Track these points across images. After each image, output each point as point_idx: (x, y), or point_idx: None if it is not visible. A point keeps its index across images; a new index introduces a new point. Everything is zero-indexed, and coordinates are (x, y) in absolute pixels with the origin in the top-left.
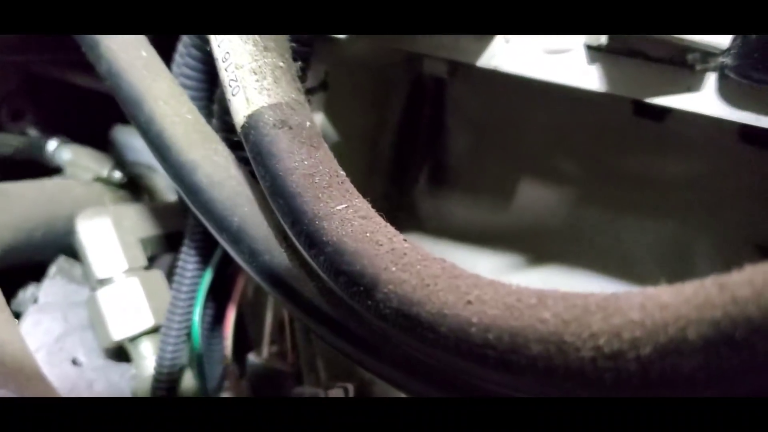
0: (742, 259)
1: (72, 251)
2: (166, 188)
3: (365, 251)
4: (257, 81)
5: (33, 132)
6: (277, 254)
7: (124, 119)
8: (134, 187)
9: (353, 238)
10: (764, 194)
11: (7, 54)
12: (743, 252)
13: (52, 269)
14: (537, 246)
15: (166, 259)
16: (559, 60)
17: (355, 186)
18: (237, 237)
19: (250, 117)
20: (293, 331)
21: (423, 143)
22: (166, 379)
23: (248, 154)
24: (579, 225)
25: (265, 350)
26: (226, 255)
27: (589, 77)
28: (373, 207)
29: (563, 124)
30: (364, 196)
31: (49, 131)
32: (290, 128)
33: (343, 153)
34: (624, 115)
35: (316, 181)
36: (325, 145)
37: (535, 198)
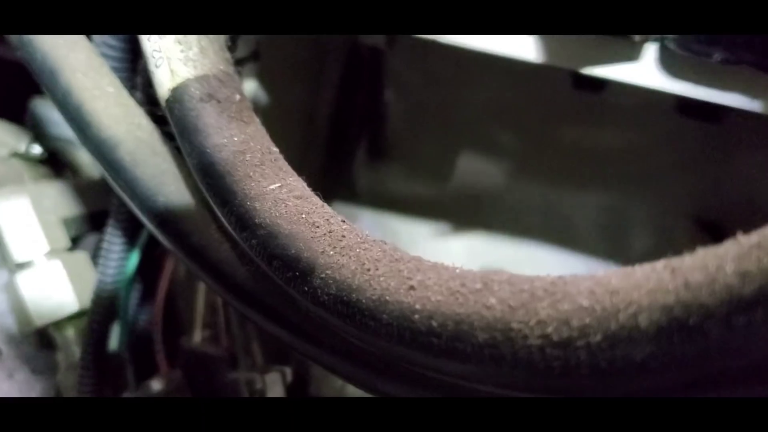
0: (680, 230)
1: None
2: (90, 164)
3: (301, 234)
4: (182, 51)
5: None
6: (206, 236)
7: (42, 90)
8: (56, 163)
9: (288, 220)
10: (701, 166)
11: None
12: (681, 223)
13: None
14: (477, 218)
15: (90, 239)
16: None
17: (291, 160)
18: (163, 218)
19: (174, 90)
20: (227, 313)
21: (360, 115)
22: (94, 364)
23: (173, 130)
24: (519, 196)
25: (198, 334)
26: (153, 235)
27: (528, 49)
28: (310, 181)
29: (502, 97)
30: (301, 169)
31: None
32: (218, 102)
33: (277, 126)
34: (563, 88)
35: (247, 158)
36: (257, 119)
37: (474, 170)
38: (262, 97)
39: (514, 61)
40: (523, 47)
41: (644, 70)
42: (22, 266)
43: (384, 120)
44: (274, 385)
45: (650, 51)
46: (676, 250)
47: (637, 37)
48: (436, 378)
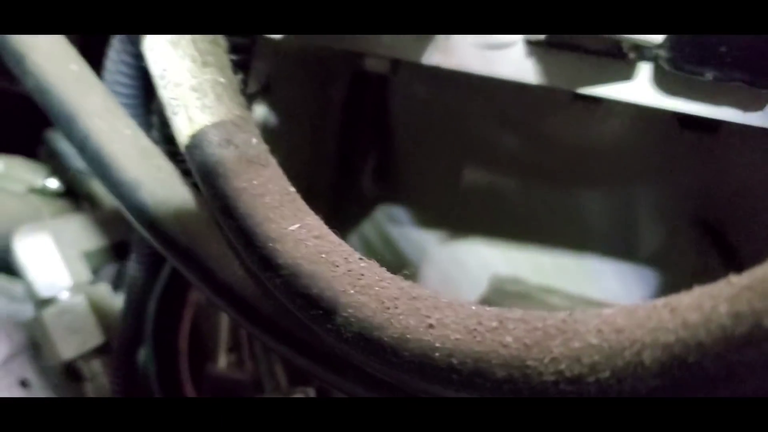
0: (686, 233)
1: (10, 268)
2: (106, 195)
3: (322, 273)
4: (198, 99)
5: None
6: (230, 274)
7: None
8: (73, 195)
9: (308, 260)
10: (701, 170)
11: None
12: (685, 224)
13: None
14: (488, 227)
15: (110, 269)
16: (499, 55)
17: (302, 178)
18: (187, 256)
19: (193, 137)
20: (250, 338)
21: (367, 134)
22: (123, 395)
23: (194, 175)
24: (528, 202)
25: (223, 360)
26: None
27: (527, 71)
28: (322, 197)
29: (505, 108)
30: (312, 186)
31: None
32: (236, 147)
33: (287, 144)
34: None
35: (267, 201)
36: (273, 161)
37: (483, 182)
38: (272, 120)
39: (514, 83)
40: (522, 70)
41: (639, 88)
42: (47, 302)
43: (390, 138)
44: None
45: (644, 70)
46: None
47: (631, 56)
48: None
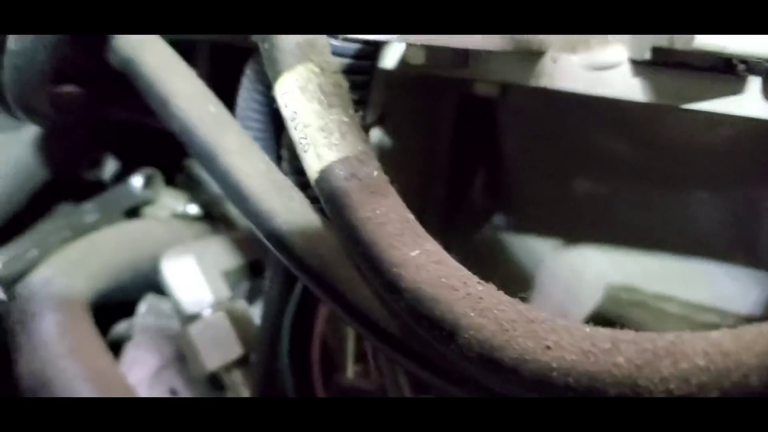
0: None
1: (159, 288)
2: (240, 217)
3: (443, 297)
4: (325, 138)
5: (108, 176)
6: (359, 294)
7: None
8: (210, 218)
9: (430, 285)
10: None
11: (83, 110)
12: None
13: (142, 307)
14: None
15: (244, 285)
16: (605, 75)
17: (416, 194)
18: (319, 278)
19: (322, 172)
20: (375, 352)
21: (477, 151)
22: None
23: (324, 206)
24: (643, 209)
25: (350, 370)
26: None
27: (634, 89)
28: (435, 212)
29: (615, 115)
30: (426, 202)
31: (123, 173)
32: (360, 180)
33: (401, 165)
34: None
35: (389, 229)
36: (393, 190)
37: (596, 190)
38: (388, 144)
39: (622, 102)
40: (629, 89)
41: (750, 102)
42: (191, 318)
43: (500, 154)
44: None
45: (755, 83)
46: None
47: (740, 70)
48: None
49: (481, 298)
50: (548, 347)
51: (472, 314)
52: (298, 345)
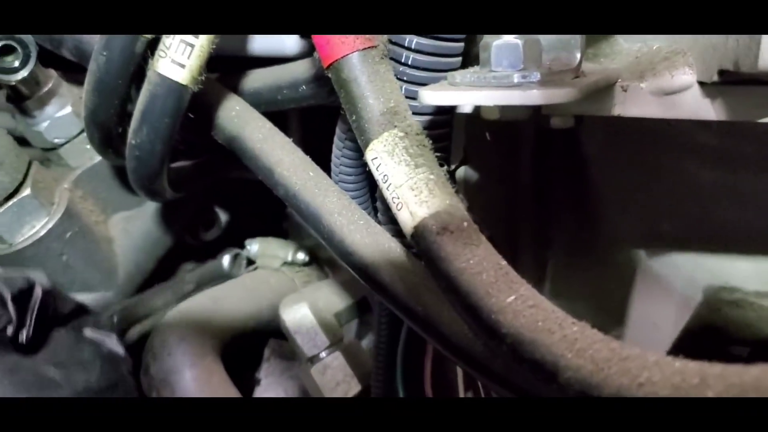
0: None
1: (279, 333)
2: None
3: (541, 341)
4: (415, 196)
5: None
6: (461, 336)
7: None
8: (316, 260)
9: (528, 329)
10: None
11: (198, 179)
12: None
13: (266, 352)
14: (700, 238)
15: (354, 322)
16: (676, 99)
17: (502, 219)
18: (425, 322)
19: (416, 228)
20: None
21: (560, 178)
22: None
23: (422, 258)
24: (740, 208)
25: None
26: None
27: (706, 109)
28: (524, 244)
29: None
30: (512, 226)
31: (235, 230)
32: (451, 232)
33: (488, 198)
34: None
35: (484, 278)
36: (484, 239)
37: (688, 195)
38: (473, 183)
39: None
40: (701, 110)
41: None
42: (311, 360)
43: (584, 178)
44: None
45: None
46: None
47: None
48: None
49: (576, 338)
50: (641, 384)
51: (570, 355)
52: (411, 376)
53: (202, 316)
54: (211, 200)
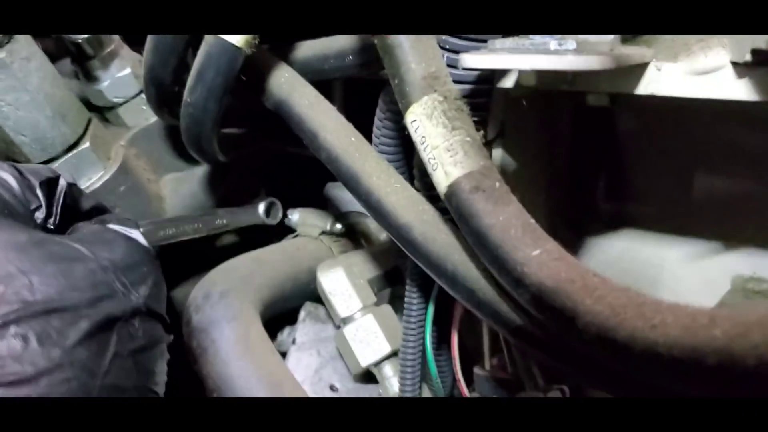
0: None
1: (314, 296)
2: (376, 230)
3: (562, 290)
4: (451, 157)
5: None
6: (488, 291)
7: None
8: (351, 233)
9: (551, 279)
10: None
11: (244, 146)
12: None
13: (302, 314)
14: (728, 227)
15: (385, 292)
16: (709, 79)
17: (540, 203)
18: (453, 280)
19: (450, 187)
20: (508, 345)
21: (595, 157)
22: (411, 393)
23: (453, 216)
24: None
25: (487, 363)
26: (443, 289)
27: (739, 90)
28: (562, 219)
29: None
30: (551, 210)
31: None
32: (483, 191)
33: (523, 173)
34: None
35: (512, 233)
36: (514, 199)
37: (718, 184)
38: (509, 159)
39: (729, 102)
40: (734, 90)
41: None
42: (345, 321)
43: (619, 157)
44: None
45: None
46: None
47: None
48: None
49: (596, 287)
50: (654, 326)
51: (588, 302)
52: (439, 341)
53: (244, 274)
54: (254, 171)
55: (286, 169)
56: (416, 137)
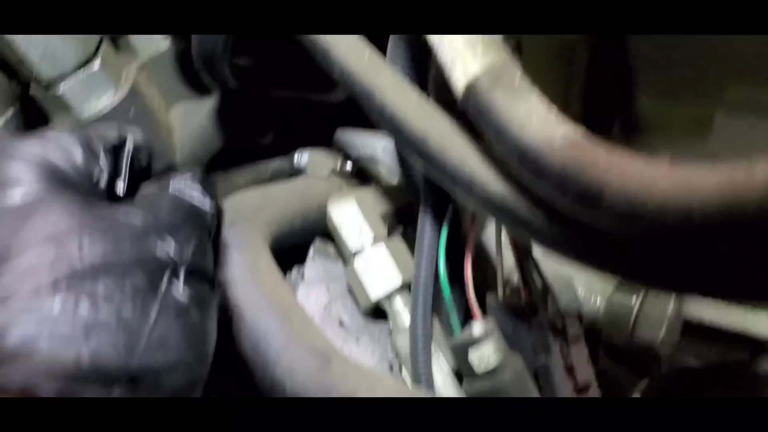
0: None
1: (324, 234)
2: (387, 174)
3: (587, 169)
4: (470, 52)
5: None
6: (507, 193)
7: (342, 124)
8: (361, 176)
9: (575, 161)
10: None
11: (254, 79)
12: None
13: (311, 251)
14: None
15: (398, 228)
16: None
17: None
18: (470, 186)
19: (469, 83)
20: (523, 272)
21: (611, 94)
22: (422, 325)
23: (472, 114)
24: None
25: (500, 291)
26: (456, 214)
27: None
28: None
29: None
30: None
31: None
32: (503, 84)
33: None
34: None
35: (533, 120)
36: (536, 90)
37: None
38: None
39: None
40: None
41: None
42: (356, 253)
43: (634, 94)
44: (572, 325)
45: None
46: None
47: None
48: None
49: (621, 162)
50: (688, 188)
51: (615, 178)
52: (452, 269)
53: (252, 206)
54: (263, 111)
55: (295, 115)
56: (434, 37)
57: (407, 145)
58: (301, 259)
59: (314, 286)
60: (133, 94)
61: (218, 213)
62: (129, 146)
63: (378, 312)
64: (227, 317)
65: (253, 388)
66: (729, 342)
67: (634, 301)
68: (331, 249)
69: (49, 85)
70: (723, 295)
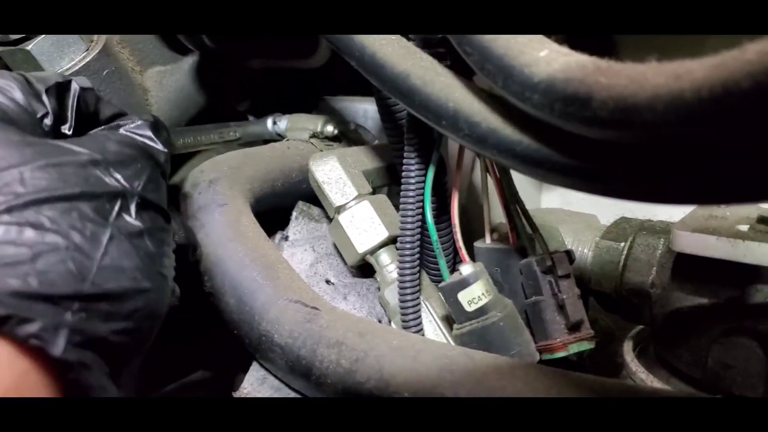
0: None
1: (306, 198)
2: (368, 138)
3: (574, 76)
4: None
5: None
6: (492, 119)
7: (325, 93)
8: (345, 140)
9: (561, 72)
10: None
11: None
12: None
13: (295, 213)
14: None
15: (382, 190)
16: None
17: None
18: (455, 118)
19: None
20: (509, 216)
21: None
22: (410, 275)
23: (455, 44)
24: None
25: (488, 235)
26: (441, 160)
27: None
28: None
29: None
30: None
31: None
32: None
33: None
34: None
35: (519, 40)
36: None
37: None
38: None
39: None
40: None
41: None
42: (340, 209)
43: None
44: (561, 263)
45: None
46: None
47: None
48: None
49: (609, 66)
50: (678, 76)
51: (603, 78)
52: (438, 212)
53: (233, 165)
54: (240, 77)
55: (273, 83)
56: None
57: (389, 84)
58: (283, 225)
59: (299, 246)
60: (105, 53)
61: (170, 157)
62: (74, 88)
63: (364, 271)
64: (211, 272)
65: (239, 344)
66: (721, 273)
67: (623, 245)
68: (314, 211)
69: (17, 43)
70: (719, 197)
